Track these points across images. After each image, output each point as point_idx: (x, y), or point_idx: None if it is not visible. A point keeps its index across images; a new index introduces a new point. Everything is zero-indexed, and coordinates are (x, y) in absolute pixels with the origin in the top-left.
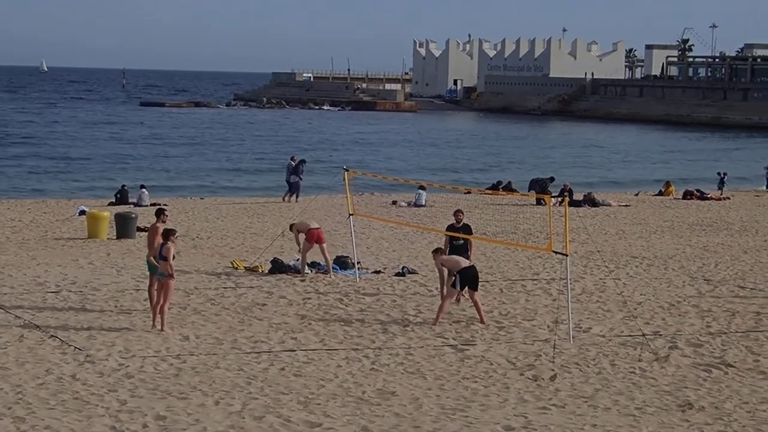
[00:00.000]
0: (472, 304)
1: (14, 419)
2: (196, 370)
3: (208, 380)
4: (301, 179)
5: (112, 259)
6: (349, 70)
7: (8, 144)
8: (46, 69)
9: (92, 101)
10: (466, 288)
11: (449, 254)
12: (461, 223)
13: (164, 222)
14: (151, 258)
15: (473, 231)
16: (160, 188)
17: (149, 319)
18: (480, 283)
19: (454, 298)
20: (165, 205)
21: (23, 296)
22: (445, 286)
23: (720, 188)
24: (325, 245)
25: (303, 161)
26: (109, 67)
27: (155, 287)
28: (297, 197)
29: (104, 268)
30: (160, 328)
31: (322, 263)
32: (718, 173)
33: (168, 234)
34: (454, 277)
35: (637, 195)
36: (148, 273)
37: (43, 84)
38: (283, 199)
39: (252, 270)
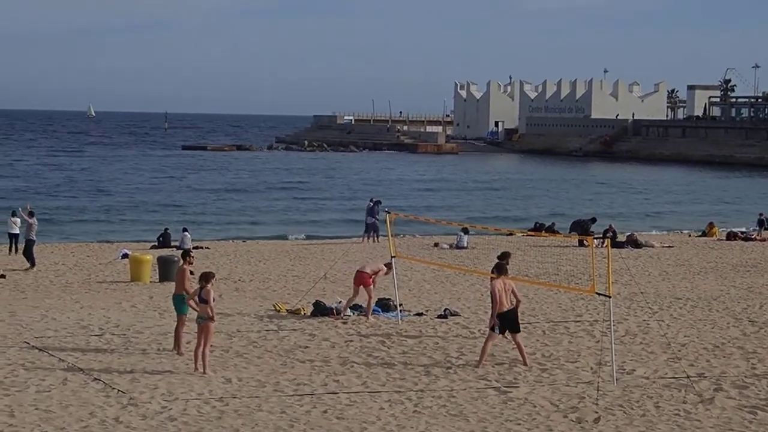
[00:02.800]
0: (515, 346)
1: None
2: (238, 413)
3: (250, 423)
4: (378, 219)
5: (154, 302)
6: (390, 112)
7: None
8: (94, 114)
9: (136, 145)
10: (507, 331)
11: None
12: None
13: (191, 263)
14: (191, 302)
15: (515, 272)
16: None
17: (192, 361)
18: (523, 325)
19: (494, 340)
20: (207, 247)
21: (67, 339)
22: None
23: (759, 230)
24: (368, 288)
25: (378, 202)
26: (150, 111)
27: (181, 327)
28: (377, 238)
29: (147, 311)
30: (202, 371)
31: (363, 305)
32: (761, 215)
33: (207, 277)
34: (494, 321)
35: (687, 236)
36: (175, 313)
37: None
38: (363, 240)
39: (294, 312)
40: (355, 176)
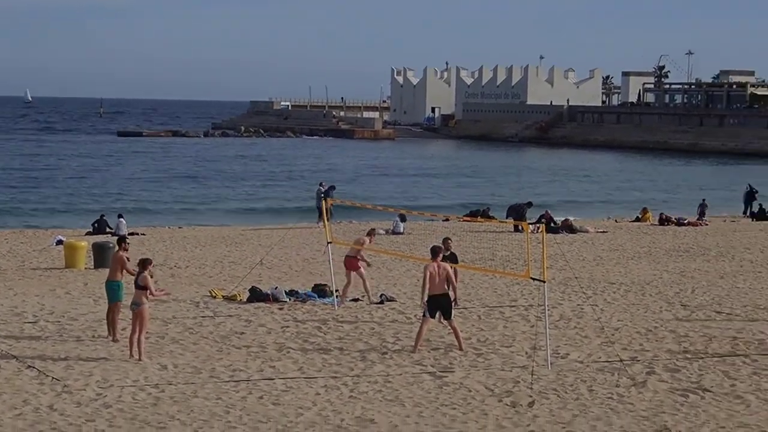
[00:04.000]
0: (451, 331)
1: None
2: (174, 400)
3: (186, 409)
4: (330, 205)
5: (89, 289)
6: (327, 98)
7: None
8: (30, 99)
9: (73, 132)
10: (441, 316)
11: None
12: (449, 252)
13: (126, 250)
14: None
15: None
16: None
17: (127, 348)
18: (458, 310)
19: (428, 325)
20: (143, 233)
21: (0, 326)
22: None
23: (700, 215)
24: (359, 271)
25: (332, 187)
26: (85, 96)
27: (116, 314)
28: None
29: (81, 298)
30: (137, 357)
31: (300, 291)
32: (703, 201)
33: (145, 263)
34: (422, 303)
35: (617, 222)
36: (107, 299)
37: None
38: (319, 226)
39: (230, 299)
40: (293, 162)
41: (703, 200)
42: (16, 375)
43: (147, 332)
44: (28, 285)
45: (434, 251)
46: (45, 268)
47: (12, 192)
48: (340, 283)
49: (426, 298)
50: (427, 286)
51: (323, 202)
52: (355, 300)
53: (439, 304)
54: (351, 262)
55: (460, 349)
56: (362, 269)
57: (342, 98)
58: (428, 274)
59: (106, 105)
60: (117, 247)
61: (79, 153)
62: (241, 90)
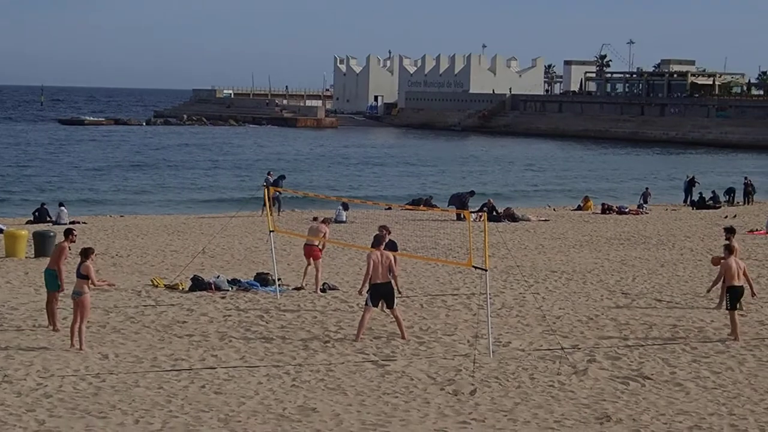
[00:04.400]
0: (393, 319)
1: None
2: (115, 389)
3: (127, 399)
4: (280, 193)
5: (30, 278)
6: (270, 86)
7: None
8: None
9: (14, 120)
10: (384, 305)
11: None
12: (387, 239)
13: (72, 241)
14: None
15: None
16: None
17: (68, 337)
18: (401, 299)
19: (370, 313)
20: (84, 222)
21: None
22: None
23: (643, 202)
24: (317, 261)
25: (282, 176)
26: (25, 84)
27: (55, 304)
28: (279, 211)
29: (22, 287)
30: (78, 347)
31: (242, 280)
32: (647, 189)
33: (87, 252)
34: (367, 294)
35: (555, 210)
36: (46, 289)
37: None
38: (262, 213)
39: (172, 288)
40: (237, 152)
41: (647, 188)
42: None
43: (88, 321)
44: None
45: (377, 240)
46: None
47: None
48: (282, 272)
49: (368, 287)
50: (370, 274)
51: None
52: (298, 288)
53: (382, 293)
54: (310, 250)
55: (403, 337)
56: (320, 260)
57: (286, 87)
58: (371, 262)
59: (46, 92)
60: (63, 238)
61: (17, 141)
62: (184, 79)
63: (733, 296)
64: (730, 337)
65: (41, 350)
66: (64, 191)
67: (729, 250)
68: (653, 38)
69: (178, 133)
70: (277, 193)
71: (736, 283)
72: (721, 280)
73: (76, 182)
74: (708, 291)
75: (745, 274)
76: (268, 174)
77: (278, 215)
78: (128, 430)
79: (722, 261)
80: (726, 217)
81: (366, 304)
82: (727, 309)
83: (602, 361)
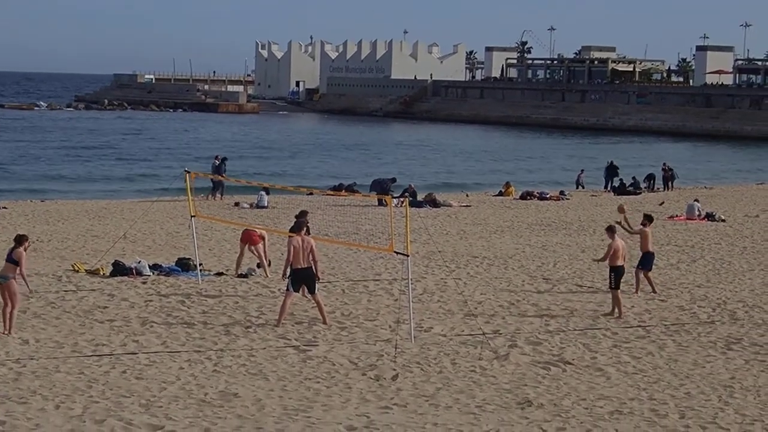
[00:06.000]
0: (315, 305)
1: None
2: (36, 375)
3: (48, 384)
4: (223, 177)
5: None
6: (191, 71)
7: None
8: None
9: None
10: (306, 290)
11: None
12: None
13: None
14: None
15: (315, 232)
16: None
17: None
18: (322, 284)
19: (291, 298)
20: (4, 207)
21: None
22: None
23: (577, 186)
24: (257, 245)
25: (225, 159)
26: None
27: None
28: (222, 195)
29: None
30: (7, 331)
31: (163, 265)
32: (582, 171)
33: (21, 239)
34: (288, 279)
35: (468, 196)
36: None
37: None
38: (207, 198)
39: (93, 273)
40: (162, 136)
41: (582, 170)
42: None
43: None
44: None
45: (298, 225)
46: None
47: None
48: (203, 257)
49: (289, 272)
50: (291, 259)
51: (218, 175)
52: (219, 274)
53: (303, 278)
54: (250, 236)
55: (325, 323)
56: (261, 245)
57: (213, 72)
58: (292, 247)
59: None
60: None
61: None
62: (104, 64)
63: (617, 276)
64: (612, 315)
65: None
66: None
67: (611, 230)
68: (574, 25)
69: (100, 118)
70: (220, 178)
71: (620, 263)
72: (607, 259)
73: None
74: (596, 261)
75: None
76: (215, 158)
77: (221, 199)
78: (49, 416)
79: (610, 243)
80: (662, 203)
81: (287, 289)
82: (610, 288)
83: (523, 346)
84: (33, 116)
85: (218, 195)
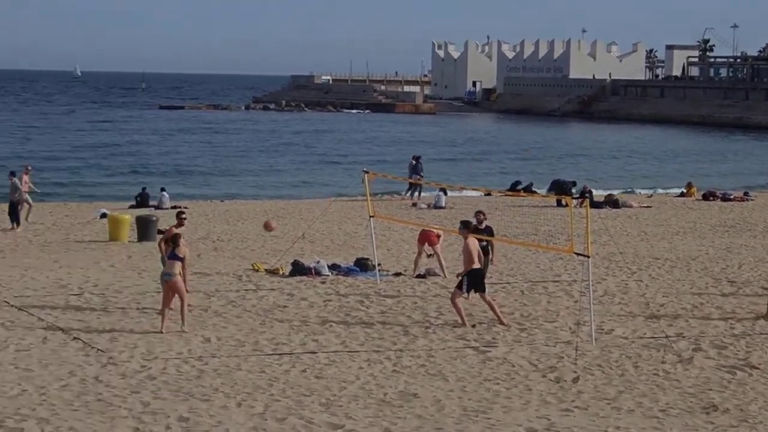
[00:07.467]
0: (487, 306)
1: (38, 420)
2: (218, 372)
3: (230, 382)
4: (421, 176)
5: (133, 262)
6: (368, 72)
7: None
8: (80, 74)
9: (121, 106)
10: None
11: None
12: (483, 225)
13: (181, 225)
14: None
15: (495, 233)
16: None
17: (172, 321)
18: (501, 285)
19: (461, 297)
20: (186, 207)
21: (46, 298)
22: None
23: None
24: (434, 246)
25: (419, 158)
26: (128, 71)
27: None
28: (419, 195)
29: (126, 271)
30: (181, 327)
31: (342, 265)
32: None
33: (176, 238)
34: (460, 278)
35: (650, 197)
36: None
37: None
38: (403, 198)
39: (273, 272)
40: (340, 136)
41: None
42: (62, 347)
43: (189, 305)
44: (72, 258)
45: (467, 224)
46: (89, 241)
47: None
48: (382, 257)
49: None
50: (472, 260)
51: (415, 174)
52: (398, 274)
53: (480, 279)
54: (426, 235)
55: (501, 323)
56: (438, 246)
57: (395, 72)
58: (471, 249)
59: (135, 78)
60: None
61: (122, 129)
62: (282, 66)
63: None
64: None
65: (145, 333)
66: (169, 177)
67: None
68: (759, 22)
69: (280, 119)
70: (417, 177)
71: None
72: None
73: (179, 166)
74: None
75: None
76: (413, 158)
77: (419, 198)
78: (231, 413)
79: None
80: None
81: (460, 288)
82: None
83: (708, 350)
84: (215, 117)
85: (416, 195)
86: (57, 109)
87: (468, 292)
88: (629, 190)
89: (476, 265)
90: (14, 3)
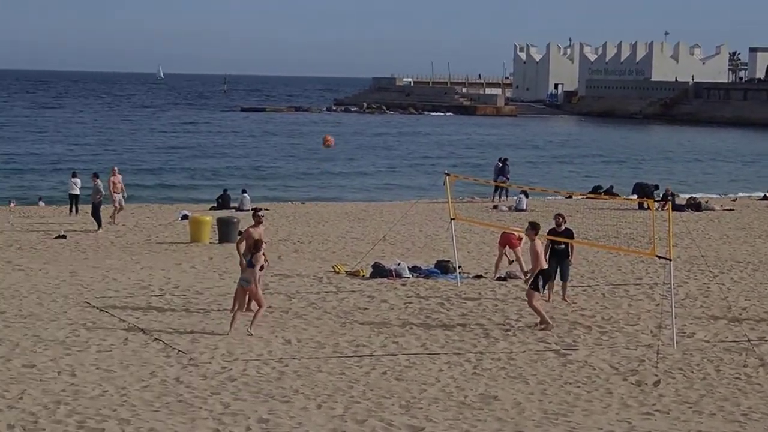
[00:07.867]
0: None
1: (119, 421)
2: (298, 374)
3: (310, 384)
4: (508, 178)
5: (214, 263)
6: (449, 74)
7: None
8: (162, 76)
9: (206, 108)
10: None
11: (550, 258)
12: (562, 227)
13: (260, 223)
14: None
15: (575, 235)
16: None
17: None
18: (582, 288)
19: (540, 299)
20: (266, 209)
21: (128, 300)
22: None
23: None
24: (515, 249)
25: (506, 160)
26: (211, 73)
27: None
28: (507, 197)
29: (207, 272)
30: (248, 330)
31: (422, 267)
32: None
33: (258, 244)
34: (531, 277)
35: (734, 201)
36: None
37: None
38: (492, 199)
39: (353, 274)
40: (422, 139)
41: None
42: (143, 348)
43: (270, 307)
44: (154, 259)
45: (535, 226)
46: (170, 243)
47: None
48: (462, 260)
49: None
50: (541, 261)
51: (502, 176)
52: (478, 277)
53: (549, 277)
54: (507, 238)
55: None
56: (519, 249)
57: (472, 76)
58: (538, 248)
59: (217, 81)
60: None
61: (207, 130)
62: (364, 68)
63: None
64: None
65: (225, 334)
66: (248, 179)
67: None
68: None
69: (361, 121)
70: (504, 179)
71: None
72: None
73: (260, 168)
74: None
75: None
76: (499, 160)
77: (506, 200)
78: (311, 415)
79: None
80: None
81: (536, 289)
82: None
83: None
84: (296, 119)
85: (503, 197)
86: (140, 111)
87: (542, 291)
88: (719, 194)
89: (544, 265)
90: (101, 6)
